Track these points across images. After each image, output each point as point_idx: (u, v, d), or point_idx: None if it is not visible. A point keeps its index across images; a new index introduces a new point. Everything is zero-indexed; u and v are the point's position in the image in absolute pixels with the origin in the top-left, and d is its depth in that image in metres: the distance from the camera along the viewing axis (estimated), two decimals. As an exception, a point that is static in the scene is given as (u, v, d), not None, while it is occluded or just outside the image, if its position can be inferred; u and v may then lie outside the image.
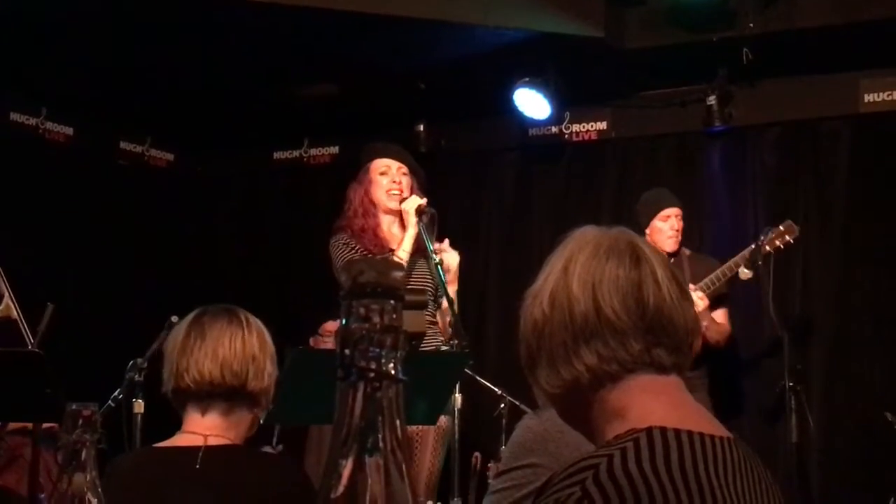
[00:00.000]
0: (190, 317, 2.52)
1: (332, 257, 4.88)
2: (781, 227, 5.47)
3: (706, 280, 5.55)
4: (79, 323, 5.82)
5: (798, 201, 6.35)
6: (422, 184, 5.08)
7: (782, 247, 5.46)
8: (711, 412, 1.54)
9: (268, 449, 4.76)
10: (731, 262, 5.56)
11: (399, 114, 6.89)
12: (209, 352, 2.42)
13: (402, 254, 4.78)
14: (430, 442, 4.79)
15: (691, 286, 5.43)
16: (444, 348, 4.52)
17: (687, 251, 5.80)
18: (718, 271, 5.56)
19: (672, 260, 5.67)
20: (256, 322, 2.52)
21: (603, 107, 6.93)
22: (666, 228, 5.72)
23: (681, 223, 5.77)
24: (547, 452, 2.36)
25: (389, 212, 4.97)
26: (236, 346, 2.43)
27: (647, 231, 5.75)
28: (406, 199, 4.89)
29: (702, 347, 5.62)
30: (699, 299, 5.39)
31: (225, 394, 2.43)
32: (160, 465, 2.43)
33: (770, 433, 5.95)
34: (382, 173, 5.00)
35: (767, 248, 5.43)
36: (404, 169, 5.02)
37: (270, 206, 7.84)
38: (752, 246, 5.43)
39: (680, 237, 5.75)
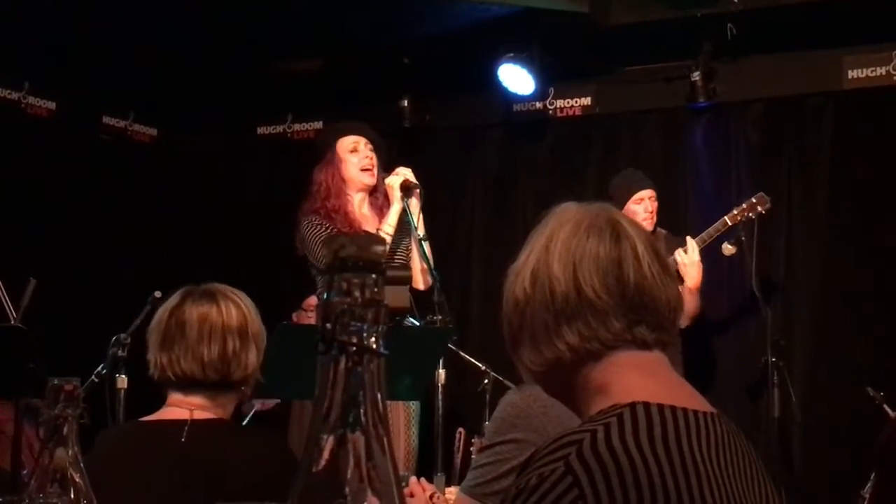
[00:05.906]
0: (173, 301, 2.50)
1: (305, 238, 4.78)
2: (753, 199, 5.53)
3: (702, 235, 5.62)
4: (61, 298, 5.79)
5: (781, 177, 6.34)
6: (384, 159, 5.01)
7: (754, 217, 5.52)
8: None
9: None
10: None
11: (383, 89, 6.86)
12: (189, 351, 2.41)
13: (388, 228, 4.75)
14: (402, 422, 4.76)
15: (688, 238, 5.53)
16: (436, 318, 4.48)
17: (663, 231, 5.75)
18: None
19: None
20: (240, 303, 2.50)
21: (587, 82, 6.91)
22: (640, 211, 5.64)
23: (655, 204, 5.71)
24: (530, 427, 2.37)
25: (362, 189, 4.91)
26: (215, 348, 2.42)
27: None
28: (386, 175, 4.85)
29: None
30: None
31: (208, 385, 2.44)
32: (146, 439, 2.44)
33: (752, 408, 5.97)
34: (352, 151, 4.92)
35: (739, 218, 5.48)
36: (371, 145, 4.97)
37: (254, 181, 7.81)
38: (735, 220, 5.42)
39: (655, 218, 5.70)
